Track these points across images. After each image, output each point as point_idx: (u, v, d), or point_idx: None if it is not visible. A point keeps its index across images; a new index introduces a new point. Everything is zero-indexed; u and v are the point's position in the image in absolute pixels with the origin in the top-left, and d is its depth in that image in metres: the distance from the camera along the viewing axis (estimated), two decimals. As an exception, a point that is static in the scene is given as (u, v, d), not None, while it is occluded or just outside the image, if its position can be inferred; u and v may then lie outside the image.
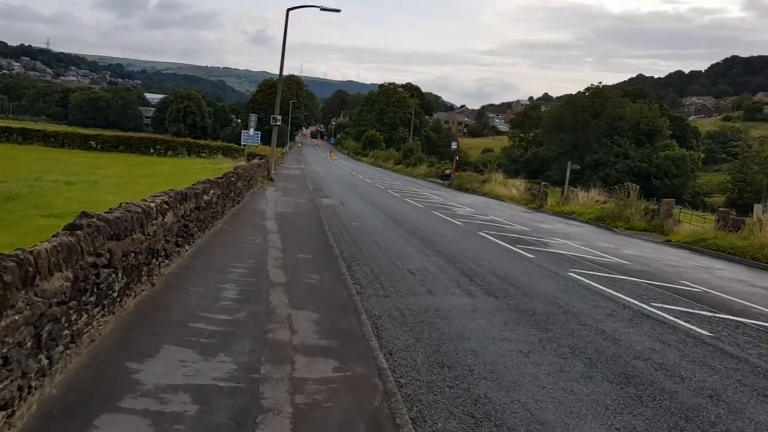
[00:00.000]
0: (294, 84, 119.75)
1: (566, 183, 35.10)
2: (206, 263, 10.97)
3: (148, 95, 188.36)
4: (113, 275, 6.86)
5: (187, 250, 11.50)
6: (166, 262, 9.82)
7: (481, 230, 21.07)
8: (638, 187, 28.52)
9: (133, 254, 7.64)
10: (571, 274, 14.20)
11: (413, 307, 10.00)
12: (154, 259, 8.95)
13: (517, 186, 40.32)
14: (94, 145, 56.29)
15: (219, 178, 16.72)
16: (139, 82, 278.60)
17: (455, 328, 9.00)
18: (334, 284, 10.59)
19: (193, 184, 13.62)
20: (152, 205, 8.97)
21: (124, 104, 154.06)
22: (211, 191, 14.39)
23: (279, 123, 35.30)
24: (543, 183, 37.58)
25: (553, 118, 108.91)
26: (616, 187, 28.75)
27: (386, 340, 8.11)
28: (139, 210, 8.11)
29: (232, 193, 18.38)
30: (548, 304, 11.02)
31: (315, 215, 20.94)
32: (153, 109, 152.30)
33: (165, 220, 9.57)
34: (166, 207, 9.66)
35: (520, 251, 17.09)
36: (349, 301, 9.54)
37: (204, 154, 55.71)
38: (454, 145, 58.60)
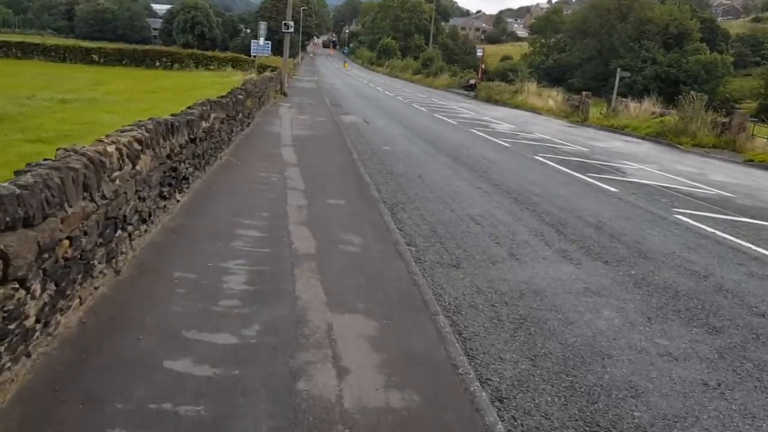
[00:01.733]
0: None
1: (614, 93, 31.11)
2: (204, 222, 7.79)
3: (155, 6, 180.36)
4: (14, 297, 3.73)
5: (178, 202, 8.31)
6: (143, 228, 6.66)
7: (535, 153, 17.65)
8: (706, 97, 24.72)
9: (67, 243, 4.48)
10: (678, 216, 10.91)
11: (501, 288, 6.84)
12: (119, 232, 5.79)
13: (554, 96, 36.32)
14: (97, 59, 52.27)
15: (222, 96, 13.32)
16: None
17: (578, 330, 5.85)
18: (383, 251, 7.40)
19: (188, 107, 10.32)
20: (112, 149, 5.72)
21: (130, 16, 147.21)
22: (212, 115, 11.05)
23: (291, 30, 31.30)
24: (584, 93, 33.59)
25: (576, 22, 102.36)
26: (680, 96, 24.97)
27: (491, 372, 4.98)
28: (83, 163, 4.89)
29: (240, 115, 15.00)
30: (683, 272, 7.81)
31: (338, 138, 17.58)
32: (160, 20, 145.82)
33: (137, 168, 6.33)
34: (138, 148, 6.41)
35: (596, 182, 13.74)
36: (412, 284, 6.37)
37: (212, 67, 51.61)
38: (479, 53, 53.88)
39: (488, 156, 16.67)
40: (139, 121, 7.46)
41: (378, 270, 6.69)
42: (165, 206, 7.65)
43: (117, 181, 5.69)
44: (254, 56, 50.65)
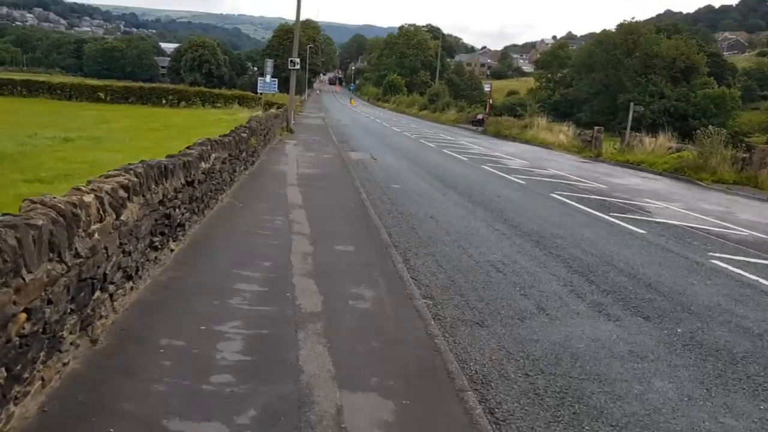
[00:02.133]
0: (310, 29, 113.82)
1: (628, 128, 30.47)
2: (199, 275, 7.02)
3: (163, 45, 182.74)
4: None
5: (172, 251, 7.57)
6: (129, 285, 5.90)
7: (552, 191, 16.90)
8: (725, 131, 24.02)
9: (24, 317, 3.72)
10: (716, 262, 10.08)
11: (533, 351, 6.02)
12: (98, 294, 5.04)
13: (565, 131, 35.70)
14: (103, 97, 52.20)
15: (225, 136, 12.67)
16: (154, 31, 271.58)
17: (629, 407, 5.01)
18: (398, 306, 6.61)
19: (187, 147, 9.65)
20: (90, 198, 5.00)
21: (138, 54, 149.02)
22: (213, 155, 10.38)
23: (297, 67, 30.98)
24: (597, 128, 32.97)
25: (583, 57, 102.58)
26: (698, 131, 24.26)
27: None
28: (50, 218, 4.17)
29: (243, 153, 14.35)
30: (734, 330, 6.98)
31: (345, 176, 16.90)
32: (168, 58, 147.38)
33: (122, 218, 5.61)
34: (123, 196, 5.70)
35: (621, 223, 12.95)
36: (433, 350, 5.56)
37: (219, 104, 51.46)
38: (487, 88, 53.58)
39: (503, 194, 15.92)
40: (128, 164, 6.77)
41: (393, 331, 5.89)
42: (156, 258, 6.90)
43: (96, 236, 4.95)
44: (261, 93, 50.56)
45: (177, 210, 7.74)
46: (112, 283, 5.41)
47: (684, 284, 8.62)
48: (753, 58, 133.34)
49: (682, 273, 9.23)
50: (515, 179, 19.01)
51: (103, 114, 40.44)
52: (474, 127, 49.01)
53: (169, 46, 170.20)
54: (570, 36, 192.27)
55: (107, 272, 5.25)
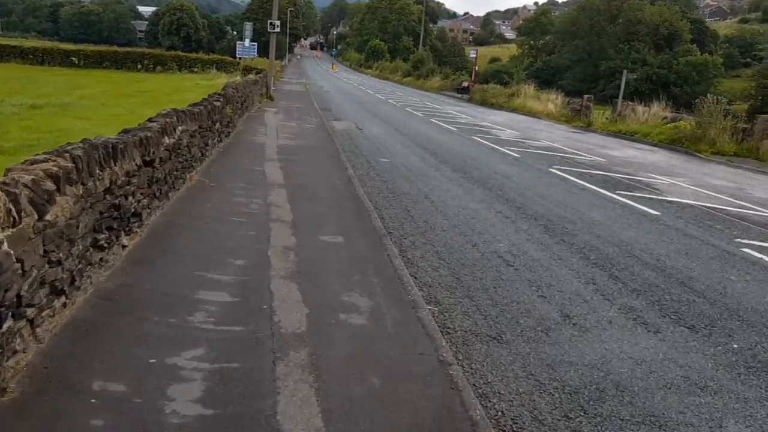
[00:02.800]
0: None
1: (620, 97, 29.15)
2: (155, 280, 5.70)
3: (141, 8, 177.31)
4: None
5: (124, 248, 6.24)
6: (59, 302, 4.59)
7: (550, 165, 15.66)
8: (725, 100, 22.83)
9: None
10: (748, 251, 8.93)
11: (569, 379, 4.81)
12: (9, 324, 3.73)
13: (553, 100, 34.37)
14: (77, 62, 49.83)
15: (195, 105, 11.22)
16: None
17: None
18: (400, 321, 5.34)
19: (148, 120, 8.27)
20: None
21: (116, 18, 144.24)
22: (179, 128, 8.98)
23: (278, 30, 29.19)
24: (586, 96, 31.67)
25: (565, 24, 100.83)
26: (696, 101, 23.08)
27: None
28: None
29: (217, 124, 12.90)
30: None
31: (330, 149, 15.54)
32: (146, 22, 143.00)
33: (48, 217, 4.29)
34: (51, 188, 4.37)
35: (631, 203, 11.74)
36: (449, 388, 4.31)
37: (196, 69, 49.32)
38: (472, 54, 51.79)
39: (500, 169, 14.65)
40: (67, 144, 5.41)
41: (397, 359, 4.64)
42: (101, 260, 5.57)
43: (2, 248, 3.63)
44: (240, 58, 48.55)
45: (131, 198, 6.38)
46: (31, 305, 4.09)
47: (722, 281, 7.45)
48: (734, 25, 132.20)
49: (715, 266, 8.06)
50: (509, 152, 17.73)
51: (75, 79, 38.50)
52: (459, 95, 47.47)
53: (147, 10, 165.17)
54: (552, 2, 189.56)
55: (23, 293, 3.93)
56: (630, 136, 24.32)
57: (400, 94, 46.87)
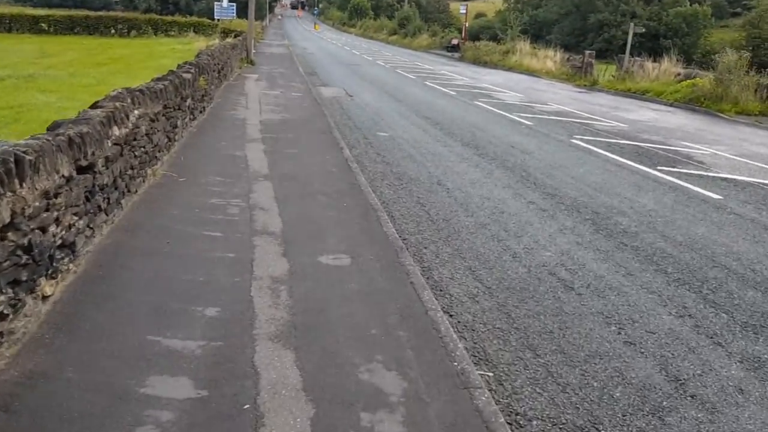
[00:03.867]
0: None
1: (627, 52, 27.04)
2: (83, 358, 3.80)
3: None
4: None
5: (44, 299, 4.34)
6: None
7: (570, 135, 13.77)
8: (749, 55, 20.86)
9: None
10: None
11: None
12: None
13: (551, 57, 32.23)
14: (46, 28, 46.79)
15: (159, 80, 9.19)
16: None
17: None
18: (453, 421, 3.54)
19: (92, 106, 6.33)
20: None
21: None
22: (135, 113, 6.99)
23: (257, -11, 26.75)
24: (587, 53, 29.56)
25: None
26: (716, 56, 21.14)
27: None
28: None
29: (188, 101, 10.85)
30: None
31: (320, 122, 13.53)
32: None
33: None
34: None
35: (683, 183, 9.87)
36: None
37: (173, 33, 46.48)
38: (462, 10, 49.09)
39: (515, 142, 12.73)
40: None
41: None
42: (6, 332, 3.69)
43: None
44: (218, 20, 45.77)
45: (53, 227, 4.45)
46: None
47: None
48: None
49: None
50: (519, 119, 15.78)
51: (44, 47, 35.79)
52: (449, 54, 45.01)
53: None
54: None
55: None
56: (641, 95, 22.35)
57: (388, 54, 44.38)
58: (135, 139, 6.96)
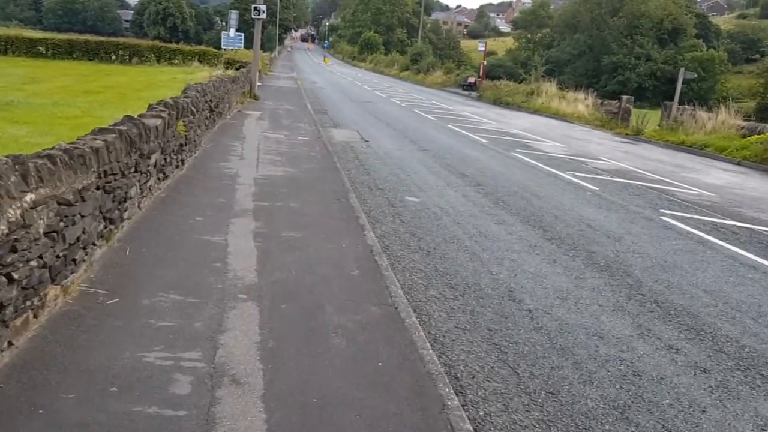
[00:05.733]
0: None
1: (675, 99, 23.94)
2: None
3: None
4: None
5: None
6: None
7: (655, 209, 10.64)
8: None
9: None
10: None
11: None
12: None
13: (582, 100, 29.32)
14: (44, 51, 44.25)
15: (98, 133, 6.11)
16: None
17: None
18: None
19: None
20: None
21: (101, 6, 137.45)
22: (18, 205, 3.86)
23: (263, 16, 23.91)
24: (625, 98, 26.59)
25: (566, 16, 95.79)
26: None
27: None
28: None
29: (154, 156, 7.76)
30: None
31: (332, 180, 10.47)
32: (132, 12, 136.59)
33: None
34: None
35: None
36: None
37: (176, 61, 43.89)
38: (481, 48, 46.29)
39: (590, 219, 9.57)
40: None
41: None
42: None
43: None
44: (224, 50, 43.25)
45: None
46: None
47: None
48: (733, 20, 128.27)
49: None
50: (577, 180, 12.69)
51: (35, 72, 33.10)
52: (466, 92, 42.17)
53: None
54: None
55: None
56: (699, 149, 19.26)
57: (402, 90, 41.54)
58: (16, 250, 3.84)
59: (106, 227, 5.85)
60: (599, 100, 29.10)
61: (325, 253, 6.55)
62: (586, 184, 12.38)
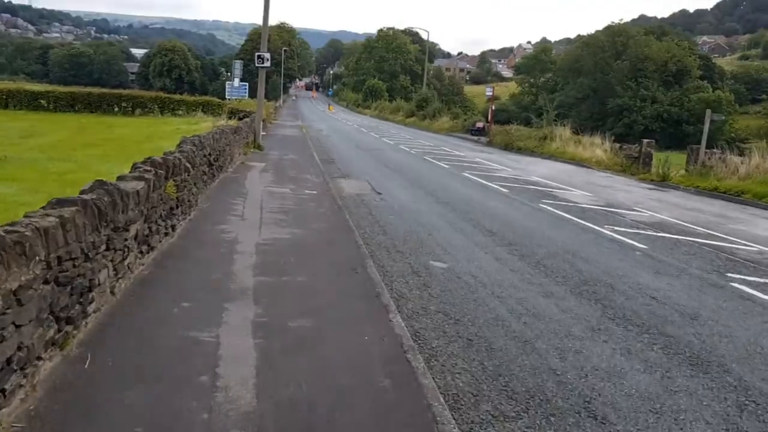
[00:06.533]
0: (285, 32, 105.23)
1: (703, 143, 22.37)
2: None
3: (134, 50, 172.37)
4: None
5: None
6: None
7: (720, 273, 9.17)
8: None
9: None
10: None
11: None
12: None
13: (598, 144, 28.09)
14: (45, 104, 43.57)
15: (54, 207, 4.76)
16: (126, 37, 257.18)
17: None
18: None
19: None
20: None
21: (107, 60, 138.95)
22: None
23: (267, 65, 22.91)
24: (646, 141, 25.31)
25: (569, 61, 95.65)
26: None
27: None
28: None
29: (133, 227, 6.41)
30: None
31: (345, 243, 9.10)
32: (137, 64, 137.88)
33: None
34: None
35: None
36: None
37: (180, 112, 43.14)
38: (489, 92, 45.36)
39: (651, 288, 8.09)
40: None
41: None
42: None
43: None
44: (229, 99, 42.48)
45: None
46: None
47: None
48: (735, 62, 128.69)
49: None
50: (620, 237, 11.25)
51: (35, 125, 32.25)
52: (474, 138, 41.07)
53: (140, 52, 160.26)
54: (545, 41, 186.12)
55: None
56: (735, 196, 17.87)
57: (409, 137, 40.49)
58: None
59: (60, 331, 4.45)
60: (617, 144, 27.83)
61: (345, 353, 5.11)
62: (630, 241, 10.95)
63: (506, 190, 16.71)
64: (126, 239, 6.11)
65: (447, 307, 6.93)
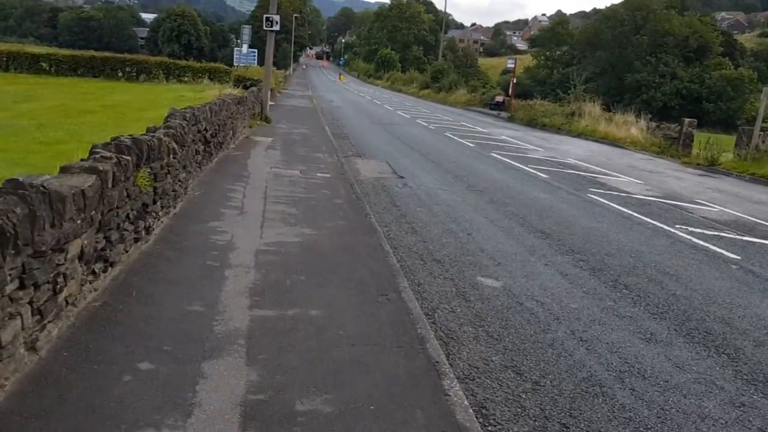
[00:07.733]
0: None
1: (757, 125, 19.95)
2: None
3: (144, 15, 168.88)
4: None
5: None
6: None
7: None
8: None
9: None
10: None
11: None
12: None
13: (633, 122, 25.75)
14: (47, 68, 41.50)
15: None
16: (136, 1, 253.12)
17: None
18: None
19: None
20: None
21: (116, 24, 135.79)
22: None
23: (276, 28, 20.61)
24: (687, 120, 23.01)
25: (587, 34, 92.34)
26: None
27: None
28: None
29: (71, 247, 4.35)
30: None
31: (367, 250, 7.08)
32: (147, 29, 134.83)
33: None
34: None
35: None
36: None
37: (186, 79, 40.90)
38: (511, 64, 42.83)
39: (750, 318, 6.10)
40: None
41: None
42: None
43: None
44: (236, 66, 40.22)
45: None
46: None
47: None
48: (754, 39, 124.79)
49: None
50: (704, 244, 9.14)
51: (32, 89, 30.25)
52: (494, 112, 38.69)
53: (149, 17, 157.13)
54: (560, 14, 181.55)
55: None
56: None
57: (425, 110, 38.10)
58: None
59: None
60: (653, 123, 25.49)
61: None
62: (716, 248, 8.86)
63: (545, 176, 14.57)
64: (60, 264, 4.08)
65: (516, 358, 4.91)
